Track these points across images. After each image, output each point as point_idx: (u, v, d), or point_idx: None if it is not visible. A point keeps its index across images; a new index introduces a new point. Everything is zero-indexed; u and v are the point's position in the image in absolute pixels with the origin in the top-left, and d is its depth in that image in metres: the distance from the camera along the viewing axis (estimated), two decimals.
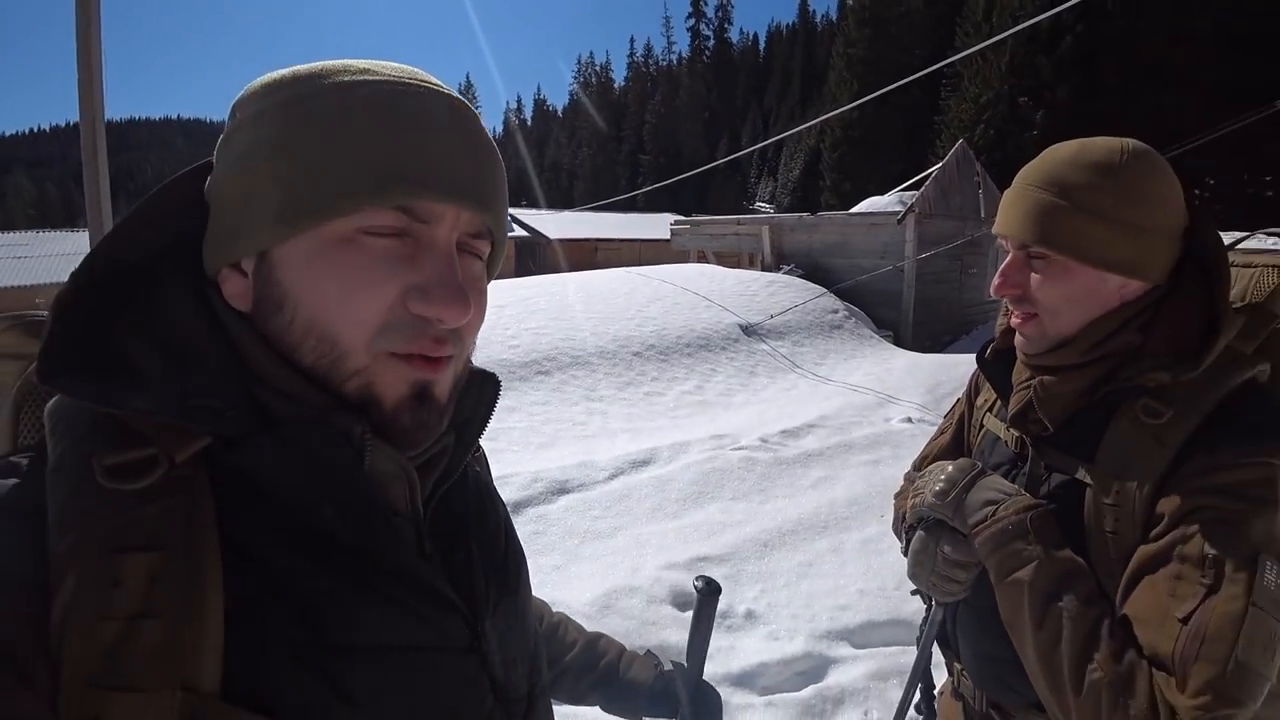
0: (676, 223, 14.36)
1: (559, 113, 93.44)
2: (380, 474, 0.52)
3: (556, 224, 26.48)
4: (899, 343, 8.96)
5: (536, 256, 23.93)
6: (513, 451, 4.61)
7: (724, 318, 7.69)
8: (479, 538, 0.63)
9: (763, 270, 10.69)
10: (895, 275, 9.58)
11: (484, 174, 0.52)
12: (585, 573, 3.04)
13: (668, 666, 0.98)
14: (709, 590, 0.96)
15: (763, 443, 4.55)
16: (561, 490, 3.84)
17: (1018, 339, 0.97)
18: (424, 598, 0.53)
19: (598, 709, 0.94)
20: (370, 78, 0.50)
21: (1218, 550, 0.76)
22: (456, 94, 0.53)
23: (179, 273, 0.51)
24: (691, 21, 73.43)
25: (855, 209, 12.20)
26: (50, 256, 19.72)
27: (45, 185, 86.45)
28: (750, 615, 2.75)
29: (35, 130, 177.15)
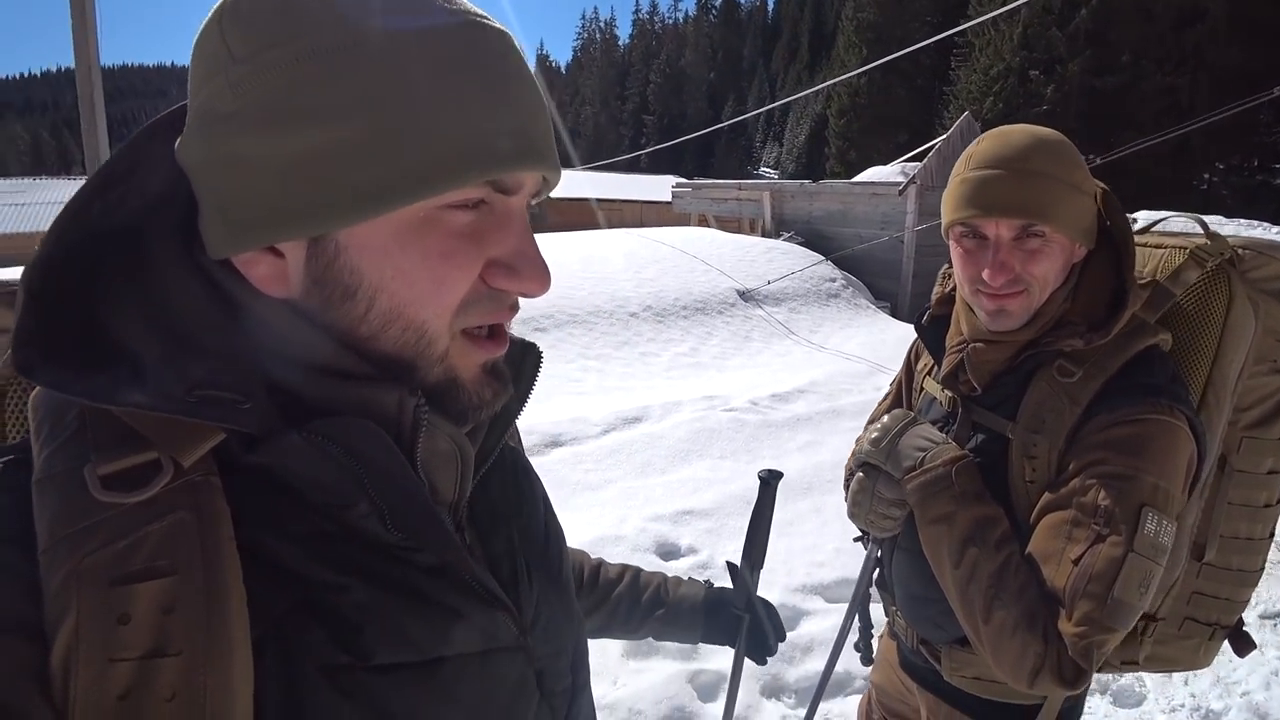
0: (678, 185, 14.31)
1: (562, 69, 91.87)
2: (433, 456, 0.48)
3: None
4: (896, 314, 9.01)
5: (537, 215, 23.76)
6: None
7: (722, 282, 7.73)
8: (519, 522, 0.59)
9: (763, 236, 10.68)
10: (894, 246, 9.59)
11: (549, 126, 0.47)
12: (574, 521, 3.15)
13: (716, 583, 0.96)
14: (771, 477, 0.94)
15: (753, 405, 4.65)
16: (554, 443, 3.93)
17: (990, 318, 1.00)
18: (470, 596, 0.49)
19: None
20: (441, 13, 0.42)
21: (1108, 502, 0.87)
22: (501, 24, 0.47)
23: (169, 246, 0.44)
24: None
25: (857, 178, 12.15)
26: (49, 204, 19.54)
27: (39, 132, 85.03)
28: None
29: (26, 75, 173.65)
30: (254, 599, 0.38)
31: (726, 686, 0.96)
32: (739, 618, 0.91)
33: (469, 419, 0.49)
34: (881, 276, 9.76)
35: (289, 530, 0.42)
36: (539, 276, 0.46)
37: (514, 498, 0.60)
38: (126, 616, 0.35)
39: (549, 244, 8.33)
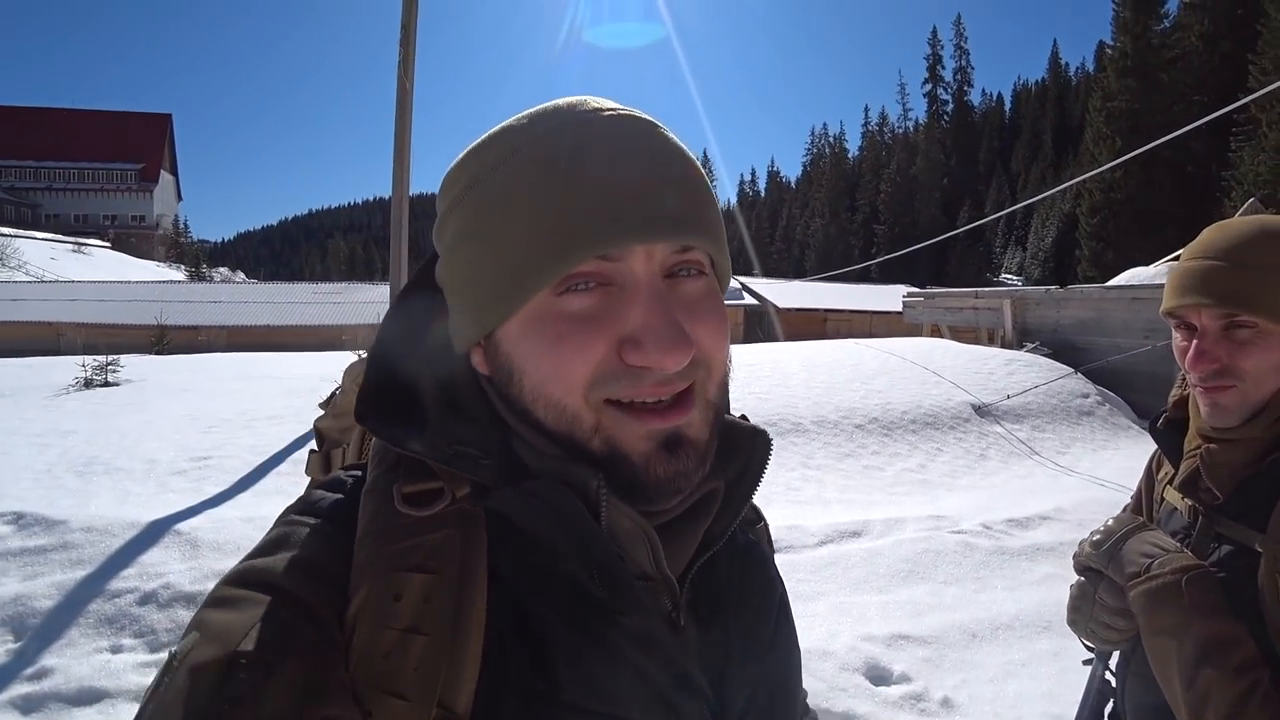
0: (909, 295, 13.88)
1: (791, 183, 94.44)
2: (620, 532, 0.50)
3: (786, 293, 26.63)
4: None
5: (764, 325, 24.17)
6: None
7: (955, 395, 7.30)
8: (741, 616, 0.58)
9: (1002, 347, 9.95)
10: (1163, 357, 8.39)
11: (666, 188, 0.49)
12: None
13: None
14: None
15: (985, 529, 4.29)
16: None
17: (1208, 412, 0.98)
18: (667, 673, 0.50)
19: None
20: (535, 130, 0.50)
21: None
22: (635, 111, 0.53)
23: (445, 336, 0.57)
24: (929, 87, 71.42)
25: (1114, 281, 10.94)
26: (357, 303, 23.72)
27: (355, 247, 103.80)
28: (947, 703, 2.66)
29: (351, 204, 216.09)
30: (490, 609, 0.47)
31: None
32: None
33: (651, 496, 0.49)
34: (1146, 392, 8.52)
35: (522, 564, 0.50)
36: (664, 349, 0.46)
37: (740, 590, 0.59)
38: (399, 596, 0.45)
39: (774, 352, 8.50)
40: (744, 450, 0.58)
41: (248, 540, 3.82)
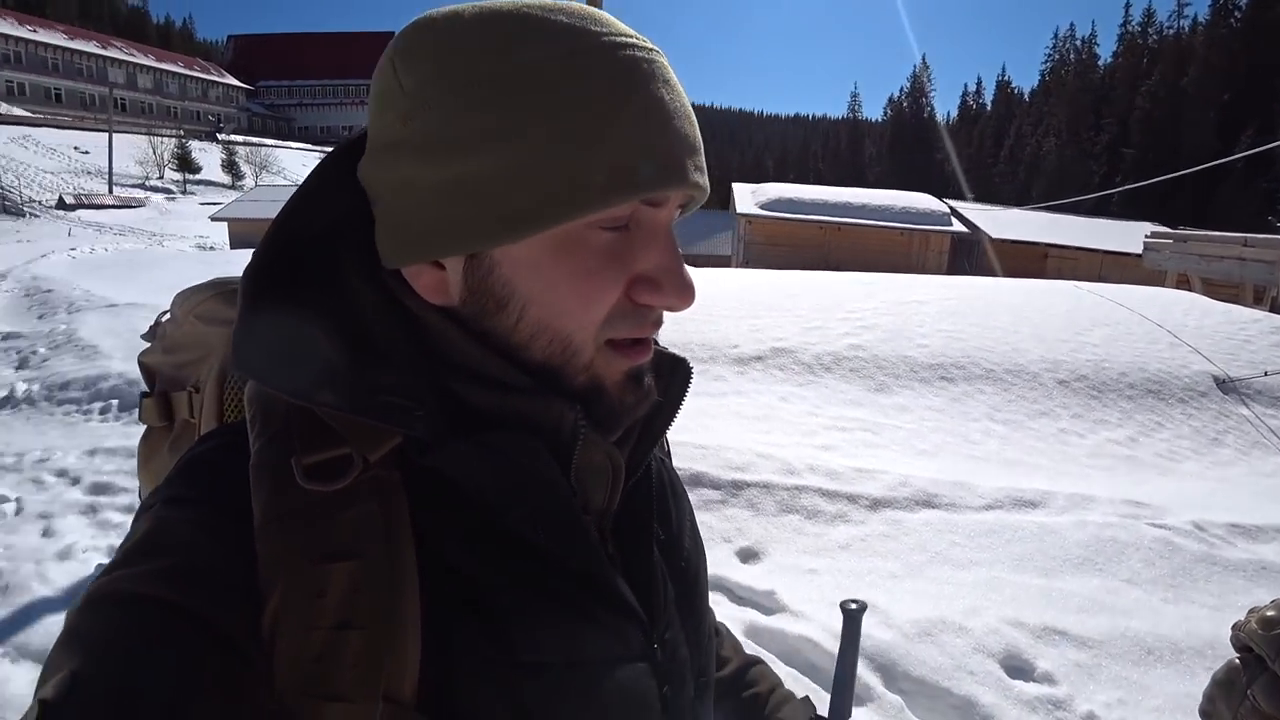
0: (1153, 235, 11.90)
1: (1024, 96, 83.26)
2: (587, 468, 0.50)
3: (1003, 223, 23.94)
4: None
5: (974, 256, 22.07)
6: (891, 450, 4.50)
7: (1193, 362, 6.20)
8: (661, 537, 0.60)
9: (1271, 311, 8.26)
10: None
11: (700, 142, 0.47)
12: (919, 590, 2.89)
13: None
14: (859, 609, 0.85)
15: (1197, 529, 3.64)
16: (926, 503, 3.64)
17: None
18: (607, 604, 0.51)
19: None
20: (590, 40, 0.44)
21: None
22: (654, 45, 0.47)
23: (355, 258, 0.48)
24: None
25: None
26: None
27: None
28: (1091, 718, 2.33)
29: None
30: (423, 585, 0.43)
31: None
32: None
33: (613, 425, 0.51)
34: None
35: (453, 527, 0.46)
36: (681, 292, 0.48)
37: (660, 513, 0.60)
38: (323, 592, 0.40)
39: (977, 288, 7.68)
40: (664, 378, 0.57)
41: None
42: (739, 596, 2.89)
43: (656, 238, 0.47)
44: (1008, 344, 6.07)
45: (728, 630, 0.88)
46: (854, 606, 0.86)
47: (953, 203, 25.03)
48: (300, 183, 0.51)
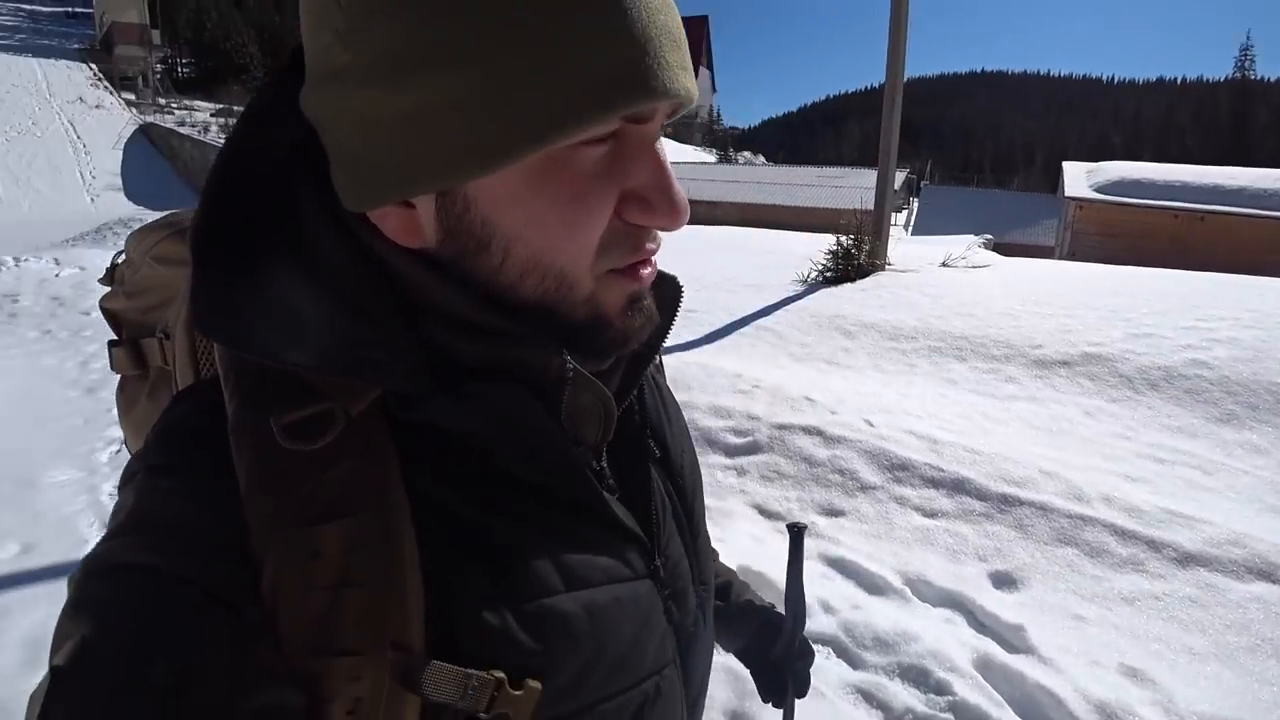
0: None
1: None
2: (575, 409, 0.48)
3: None
4: None
5: None
6: (1226, 497, 3.57)
7: None
8: (657, 455, 0.59)
9: None
10: None
11: (684, 39, 0.43)
12: (1227, 682, 2.26)
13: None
14: (797, 530, 0.86)
15: None
16: (1266, 574, 2.78)
17: None
18: (606, 530, 0.51)
19: None
20: None
21: None
22: None
23: (312, 199, 0.45)
24: None
25: None
26: (856, 188, 23.85)
27: (870, 131, 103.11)
28: None
29: (868, 88, 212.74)
30: (419, 535, 0.42)
31: None
32: (778, 665, 0.86)
33: (613, 353, 0.50)
34: None
35: (442, 473, 0.45)
36: (674, 209, 0.44)
37: (654, 433, 0.60)
38: (316, 553, 0.39)
39: None
40: (657, 295, 0.53)
41: (696, 380, 4.41)
42: (980, 623, 2.55)
43: (644, 151, 0.44)
44: None
45: None
46: (792, 527, 0.87)
47: None
48: (240, 114, 0.46)
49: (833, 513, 3.26)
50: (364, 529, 0.40)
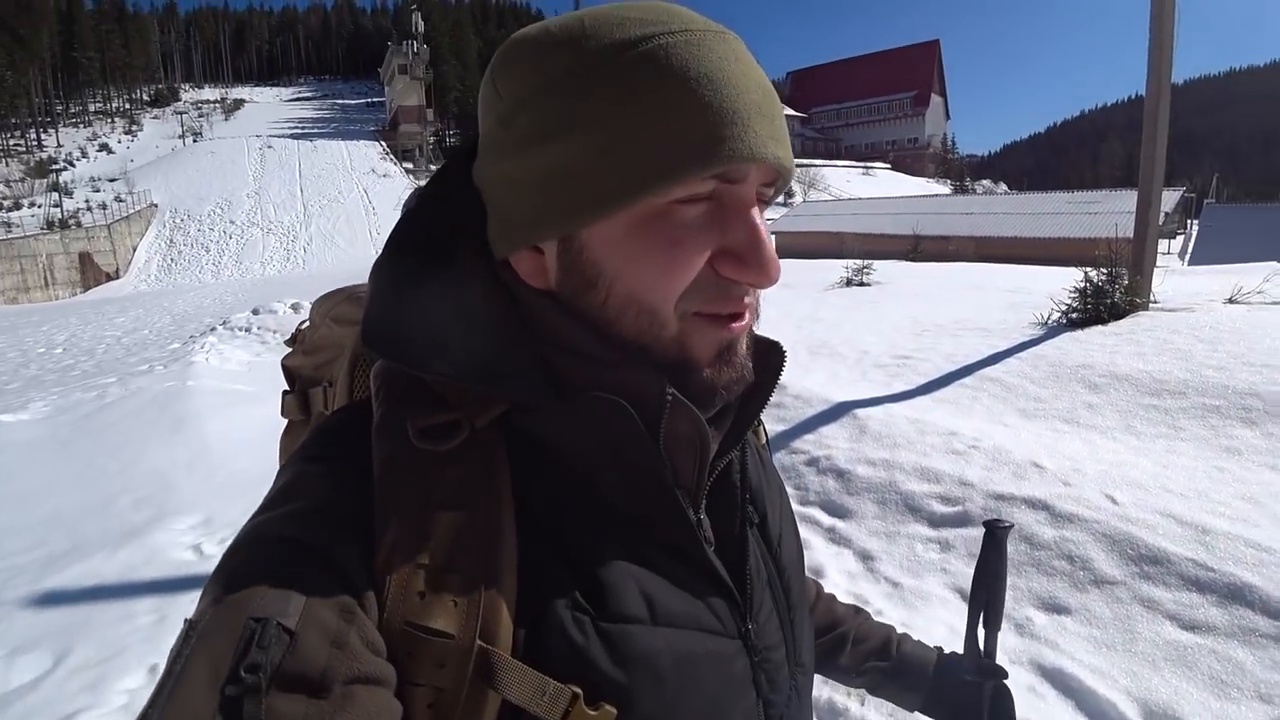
0: None
1: None
2: (674, 438, 0.52)
3: None
4: None
5: None
6: None
7: None
8: (755, 519, 0.63)
9: None
10: None
11: (779, 115, 0.50)
12: None
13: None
14: (1002, 529, 0.80)
15: None
16: None
17: None
18: (697, 574, 0.54)
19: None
20: (657, 30, 0.47)
21: None
22: (724, 28, 0.50)
23: (470, 250, 0.54)
24: None
25: None
26: (1114, 213, 20.90)
27: (1134, 148, 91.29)
28: None
29: (1130, 98, 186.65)
30: (520, 538, 0.47)
31: None
32: (976, 685, 0.80)
33: (708, 402, 0.53)
34: None
35: (549, 487, 0.50)
36: (763, 266, 0.49)
37: (753, 493, 0.63)
38: (428, 535, 0.45)
39: None
40: (759, 362, 0.58)
41: (904, 437, 4.04)
42: None
43: (739, 213, 0.49)
44: None
45: (833, 597, 0.94)
46: (995, 526, 0.81)
47: None
48: (432, 175, 0.58)
49: (1054, 609, 2.67)
50: (472, 521, 0.46)
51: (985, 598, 0.80)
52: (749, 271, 0.49)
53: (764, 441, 0.76)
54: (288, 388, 0.76)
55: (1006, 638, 2.49)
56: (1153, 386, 4.51)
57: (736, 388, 0.54)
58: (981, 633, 0.81)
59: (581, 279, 0.50)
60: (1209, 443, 3.84)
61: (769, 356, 0.60)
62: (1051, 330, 5.97)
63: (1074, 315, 6.10)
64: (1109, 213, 21.97)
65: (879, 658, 0.88)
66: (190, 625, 0.42)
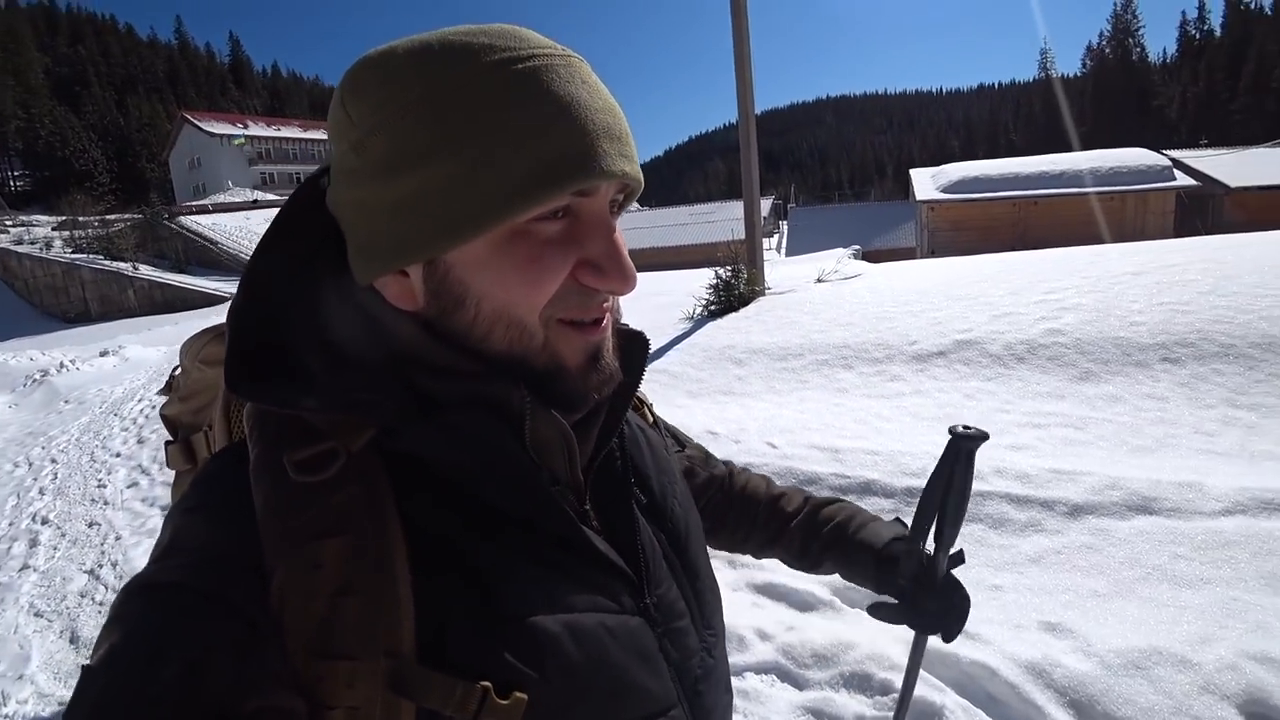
0: None
1: (1265, 10, 69.56)
2: (541, 441, 0.54)
3: (1247, 167, 20.16)
4: None
5: (1208, 213, 18.81)
6: (1098, 447, 3.92)
7: None
8: (643, 501, 0.65)
9: None
10: None
11: (626, 133, 0.52)
12: (1129, 614, 2.45)
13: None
14: (974, 437, 0.76)
15: None
16: (1142, 509, 3.10)
17: None
18: (589, 563, 0.56)
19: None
20: (508, 55, 0.48)
21: None
22: (570, 51, 0.52)
23: (328, 277, 0.55)
24: None
25: None
26: (729, 220, 24.84)
27: (734, 166, 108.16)
28: None
29: (728, 124, 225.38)
30: (411, 553, 0.48)
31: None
32: (901, 589, 0.82)
33: (579, 404, 0.56)
34: None
35: (432, 499, 0.51)
36: (621, 275, 0.52)
37: (638, 477, 0.66)
38: (319, 564, 0.46)
39: (1209, 250, 6.54)
40: (624, 351, 0.60)
41: None
42: None
43: (596, 226, 0.52)
44: (1253, 311, 5.05)
45: (796, 489, 0.98)
46: (962, 430, 0.77)
47: (1177, 154, 21.50)
48: (275, 217, 0.57)
49: None
50: (360, 543, 0.47)
51: (936, 513, 0.77)
52: (609, 280, 0.52)
53: (651, 421, 0.78)
54: (170, 438, 0.75)
55: (726, 572, 3.00)
56: (780, 353, 5.67)
57: (607, 388, 0.56)
58: (932, 546, 0.79)
59: (450, 298, 0.51)
60: (825, 388, 5.00)
61: (634, 346, 0.62)
62: (698, 322, 7.05)
63: (713, 308, 7.28)
64: (723, 220, 25.87)
65: (832, 546, 0.88)
66: (85, 672, 0.42)
